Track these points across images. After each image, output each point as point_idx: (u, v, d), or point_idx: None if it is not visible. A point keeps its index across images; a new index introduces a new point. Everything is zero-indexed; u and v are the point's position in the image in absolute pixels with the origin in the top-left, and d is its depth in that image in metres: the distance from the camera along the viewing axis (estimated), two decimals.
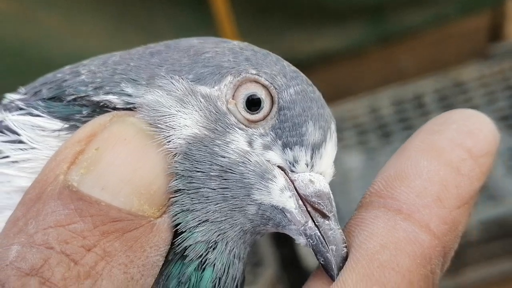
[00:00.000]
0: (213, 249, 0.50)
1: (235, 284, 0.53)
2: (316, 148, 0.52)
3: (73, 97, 0.51)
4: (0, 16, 2.09)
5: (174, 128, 0.49)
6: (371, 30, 2.46)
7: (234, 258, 0.52)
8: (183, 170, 0.49)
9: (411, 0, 2.43)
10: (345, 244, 0.50)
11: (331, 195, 0.52)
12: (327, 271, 0.50)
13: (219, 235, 0.50)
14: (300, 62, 2.37)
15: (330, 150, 0.53)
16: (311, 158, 0.52)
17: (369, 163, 2.23)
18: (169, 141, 0.49)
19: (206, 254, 0.50)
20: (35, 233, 0.45)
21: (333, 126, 0.54)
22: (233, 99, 0.51)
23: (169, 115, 0.49)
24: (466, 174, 0.50)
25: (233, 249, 0.51)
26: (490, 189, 2.16)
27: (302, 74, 0.55)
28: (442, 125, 0.52)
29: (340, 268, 0.49)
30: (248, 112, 0.52)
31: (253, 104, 0.52)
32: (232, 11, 2.22)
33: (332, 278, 0.49)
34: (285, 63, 0.55)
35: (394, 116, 2.36)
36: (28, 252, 0.44)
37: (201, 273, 0.51)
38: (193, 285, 0.50)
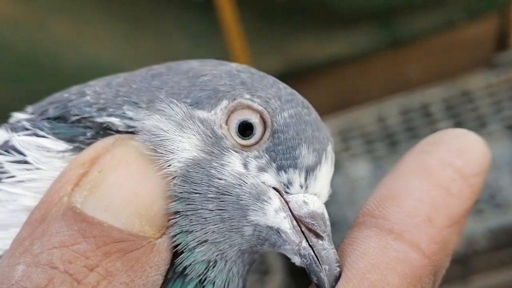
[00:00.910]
0: (213, 267, 0.52)
1: None
2: (310, 170, 0.54)
3: (77, 117, 0.53)
4: (12, 23, 2.10)
5: (173, 152, 0.51)
6: (380, 36, 2.46)
7: (234, 275, 0.53)
8: (181, 192, 0.50)
9: (420, 4, 2.42)
10: (338, 264, 0.51)
11: (326, 215, 0.54)
12: None
13: (218, 254, 0.52)
14: (308, 68, 2.38)
15: (325, 172, 0.54)
16: (305, 180, 0.53)
17: (377, 172, 2.24)
18: (169, 165, 0.50)
19: (206, 272, 0.52)
20: (40, 253, 0.46)
21: (329, 148, 0.55)
22: (226, 124, 0.53)
23: (168, 139, 0.51)
24: (456, 194, 0.51)
25: (232, 267, 0.53)
26: (498, 198, 2.16)
27: (298, 96, 0.56)
28: (433, 145, 0.53)
29: (333, 287, 0.50)
30: (240, 137, 0.53)
31: (246, 129, 0.53)
32: (239, 17, 2.23)
33: None
34: (282, 85, 0.56)
35: (401, 125, 2.36)
36: (33, 272, 0.46)
37: None
38: None
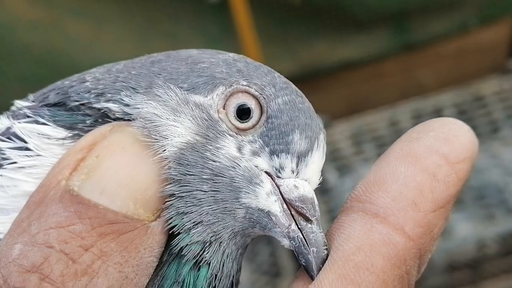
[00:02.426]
0: (208, 248, 0.53)
1: (229, 281, 0.55)
2: (302, 156, 0.55)
3: (77, 103, 0.54)
4: (29, 25, 2.13)
5: (167, 138, 0.52)
6: (393, 40, 2.46)
7: (228, 257, 0.54)
8: (176, 174, 0.51)
9: (434, 9, 2.43)
10: (325, 247, 0.52)
11: (315, 200, 0.55)
12: (308, 272, 0.52)
13: (212, 236, 0.53)
14: (321, 71, 2.37)
15: (316, 159, 0.56)
16: (297, 165, 0.55)
17: None
18: (164, 150, 0.51)
19: (202, 253, 0.53)
20: (37, 233, 0.48)
21: (321, 137, 0.56)
22: (223, 108, 0.54)
23: (163, 125, 0.52)
24: (442, 180, 0.52)
25: (226, 249, 0.54)
26: (509, 203, 2.16)
27: (292, 85, 0.57)
28: (421, 132, 0.54)
29: (319, 269, 0.51)
30: (238, 120, 0.54)
31: (243, 113, 0.54)
32: (253, 21, 2.24)
33: (311, 278, 0.52)
34: (276, 74, 0.57)
35: None
36: (29, 251, 0.47)
37: (197, 272, 0.53)
38: (188, 284, 0.53)
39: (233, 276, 0.56)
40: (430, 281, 2.09)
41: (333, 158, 2.26)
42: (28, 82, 2.07)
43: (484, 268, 2.14)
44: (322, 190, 2.19)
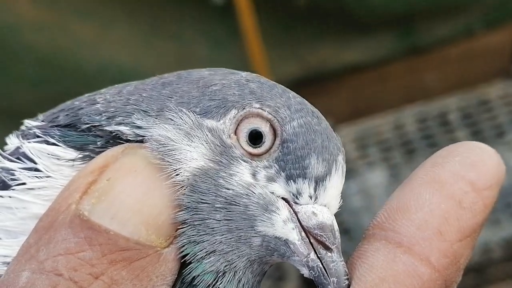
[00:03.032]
0: (222, 278, 0.51)
1: None
2: (320, 180, 0.53)
3: (87, 125, 0.53)
4: (34, 25, 2.13)
5: (181, 162, 0.50)
6: (399, 43, 2.47)
7: (244, 286, 0.52)
8: (189, 201, 0.50)
9: (439, 12, 2.43)
10: (347, 277, 0.50)
11: (335, 227, 0.53)
12: None
13: (226, 265, 0.51)
14: (326, 74, 2.37)
15: (335, 182, 0.53)
16: (315, 190, 0.53)
17: (393, 180, 2.23)
18: (177, 174, 0.50)
19: (215, 283, 0.51)
20: (45, 260, 0.46)
21: (340, 158, 0.54)
22: (235, 133, 0.52)
23: (176, 149, 0.50)
24: (468, 207, 0.50)
25: (241, 278, 0.52)
26: None
27: (308, 105, 0.55)
28: (446, 157, 0.52)
29: None
30: (250, 146, 0.52)
31: (255, 137, 0.52)
32: (258, 23, 2.24)
33: None
34: (291, 94, 0.55)
35: (418, 133, 2.36)
36: (37, 279, 0.45)
37: None
38: None
39: None
40: None
41: None
42: (33, 83, 2.07)
43: (489, 273, 2.13)
44: None
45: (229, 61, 2.09)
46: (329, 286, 0.51)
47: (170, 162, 0.50)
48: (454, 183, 0.50)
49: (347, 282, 0.50)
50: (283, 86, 0.55)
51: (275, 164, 0.52)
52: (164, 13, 2.23)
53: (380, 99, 2.46)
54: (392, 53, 2.47)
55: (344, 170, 0.55)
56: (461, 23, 2.45)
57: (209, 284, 0.51)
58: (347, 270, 0.51)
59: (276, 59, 2.32)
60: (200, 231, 0.50)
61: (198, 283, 0.51)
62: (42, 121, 0.55)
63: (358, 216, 2.02)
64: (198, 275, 0.51)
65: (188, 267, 0.50)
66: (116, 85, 0.56)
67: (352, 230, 1.96)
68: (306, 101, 0.56)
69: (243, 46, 2.26)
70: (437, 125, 2.36)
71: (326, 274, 0.51)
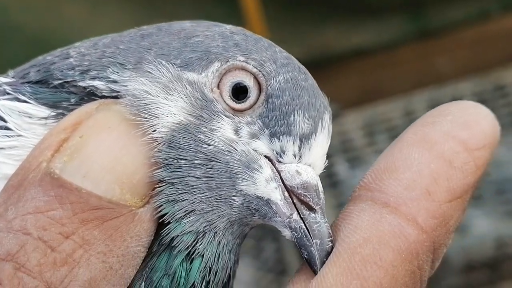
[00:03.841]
0: (202, 239, 0.51)
1: (226, 274, 0.53)
2: (305, 138, 0.53)
3: (60, 81, 0.53)
4: (23, 4, 2.13)
5: (158, 117, 0.50)
6: (409, 27, 2.46)
7: (224, 248, 0.52)
8: (167, 158, 0.50)
9: None
10: (330, 238, 0.50)
11: (320, 187, 0.53)
12: (311, 266, 0.50)
13: (206, 225, 0.51)
14: (332, 58, 2.37)
15: (321, 141, 0.54)
16: (299, 149, 0.53)
17: None
18: (154, 130, 0.50)
19: (195, 244, 0.51)
20: (13, 219, 0.46)
21: (326, 117, 0.54)
22: (218, 87, 0.52)
23: (153, 103, 0.50)
24: (459, 167, 0.50)
25: (221, 239, 0.52)
26: None
27: (295, 61, 0.55)
28: (437, 116, 0.52)
29: (323, 263, 0.49)
30: (234, 101, 0.52)
31: (239, 92, 0.52)
32: (261, 3, 2.23)
33: (314, 273, 0.50)
34: (277, 48, 0.55)
35: None
36: (4, 238, 0.46)
37: (190, 264, 0.51)
38: (180, 277, 0.51)
39: (230, 268, 0.54)
40: (446, 281, 2.07)
41: (344, 149, 2.25)
42: (22, 63, 2.07)
43: (504, 268, 2.12)
44: (332, 183, 2.18)
45: None
46: (311, 248, 0.51)
47: (147, 118, 0.50)
48: (445, 142, 0.50)
49: (330, 244, 0.50)
50: (269, 41, 0.55)
51: (258, 121, 0.52)
52: None
53: (389, 84, 2.46)
54: (402, 37, 2.46)
55: (331, 130, 0.55)
56: (476, 6, 2.44)
57: (189, 245, 0.51)
58: (331, 232, 0.51)
59: (279, 42, 2.29)
60: (178, 189, 0.50)
61: (177, 244, 0.51)
62: (13, 77, 0.55)
63: None
64: (177, 236, 0.51)
65: (167, 227, 0.50)
66: (92, 38, 0.56)
67: None
68: (293, 56, 0.56)
69: (245, 27, 2.25)
70: None
71: (309, 236, 0.51)
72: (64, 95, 0.52)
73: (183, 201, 0.50)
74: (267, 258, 2.10)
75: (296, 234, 0.51)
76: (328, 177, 2.12)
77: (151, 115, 0.50)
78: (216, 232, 0.52)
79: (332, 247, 0.50)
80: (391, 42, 2.45)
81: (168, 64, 0.52)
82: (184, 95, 0.51)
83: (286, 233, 0.52)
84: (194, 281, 0.52)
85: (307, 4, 2.37)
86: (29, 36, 2.12)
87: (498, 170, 2.18)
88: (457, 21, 2.44)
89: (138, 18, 2.20)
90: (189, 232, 0.51)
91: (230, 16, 2.26)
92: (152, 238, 0.50)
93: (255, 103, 0.53)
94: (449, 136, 0.50)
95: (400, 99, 2.41)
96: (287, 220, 0.52)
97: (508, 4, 2.44)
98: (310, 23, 2.39)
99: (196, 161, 0.50)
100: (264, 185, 0.52)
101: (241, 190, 0.51)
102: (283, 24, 2.36)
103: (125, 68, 0.52)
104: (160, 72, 0.52)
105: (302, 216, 0.52)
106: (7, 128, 0.52)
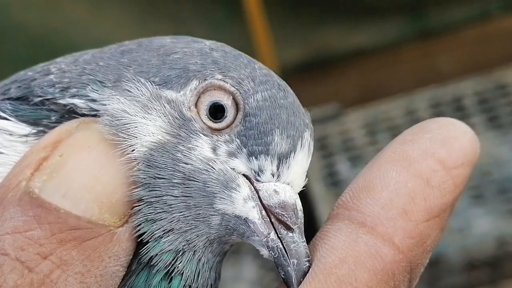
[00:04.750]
0: (181, 257, 0.51)
1: None
2: (283, 157, 0.52)
3: (40, 99, 0.52)
4: (25, 3, 2.13)
5: (136, 137, 0.50)
6: (410, 26, 2.46)
7: (204, 266, 0.52)
8: (145, 177, 0.50)
9: None
10: (307, 258, 0.50)
11: (298, 206, 0.52)
12: (287, 285, 0.50)
13: (185, 244, 0.51)
14: (333, 58, 2.38)
15: (300, 160, 0.53)
16: (277, 168, 0.52)
17: None
18: (132, 150, 0.50)
19: (174, 262, 0.51)
20: None
21: (306, 135, 0.53)
22: (196, 106, 0.52)
23: (131, 122, 0.50)
24: (437, 186, 0.49)
25: (201, 258, 0.52)
26: None
27: (274, 77, 0.54)
28: (416, 134, 0.51)
29: (299, 283, 0.49)
30: (211, 120, 0.52)
31: (217, 111, 0.52)
32: (263, 3, 2.23)
33: None
34: (257, 65, 0.54)
35: (431, 118, 2.34)
36: None
37: (169, 283, 0.51)
38: None
39: (211, 285, 0.54)
40: (447, 280, 2.07)
41: (345, 148, 2.24)
42: (24, 63, 2.06)
43: (505, 267, 2.12)
44: (333, 182, 2.17)
45: (230, 43, 2.08)
46: (288, 268, 0.50)
47: (125, 138, 0.50)
48: (423, 160, 0.50)
49: (307, 264, 0.50)
50: (249, 57, 0.55)
51: (236, 139, 0.52)
52: None
53: (390, 83, 2.46)
54: (404, 36, 2.46)
55: (312, 147, 0.54)
56: (477, 6, 2.44)
57: (168, 264, 0.51)
58: (308, 252, 0.51)
59: (281, 42, 2.31)
60: (157, 208, 0.50)
61: (156, 263, 0.51)
62: None
63: None
64: (156, 255, 0.51)
65: (145, 246, 0.50)
66: (74, 53, 0.56)
67: None
68: (274, 73, 0.55)
69: (246, 27, 2.26)
70: (451, 111, 2.35)
71: (286, 255, 0.51)
72: (45, 113, 0.52)
73: (161, 220, 0.50)
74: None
75: (273, 254, 0.51)
76: (329, 176, 2.12)
77: (129, 135, 0.50)
78: (196, 250, 0.52)
79: (309, 267, 0.50)
80: (393, 42, 2.45)
81: (147, 82, 0.51)
82: (163, 113, 0.51)
83: (264, 252, 0.52)
84: None
85: (309, 4, 2.37)
86: (31, 35, 2.12)
87: (500, 169, 2.17)
88: (459, 20, 2.44)
89: (139, 17, 2.20)
90: (168, 251, 0.51)
91: (232, 16, 2.25)
92: (131, 257, 0.50)
93: (232, 122, 0.52)
94: (427, 154, 0.50)
95: (402, 98, 2.40)
96: (265, 239, 0.51)
97: (509, 3, 2.44)
98: (312, 23, 2.39)
99: (174, 180, 0.50)
100: (242, 204, 0.51)
101: (219, 209, 0.51)
102: (285, 25, 2.36)
103: (105, 86, 0.52)
104: (138, 90, 0.51)
105: (279, 235, 0.51)
106: None
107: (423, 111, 2.36)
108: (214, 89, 0.52)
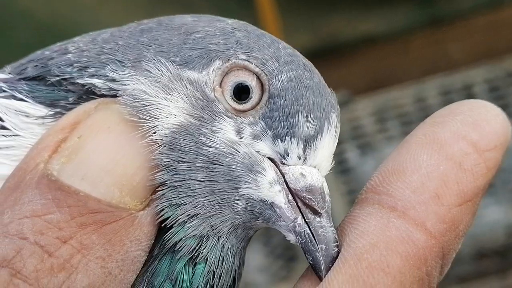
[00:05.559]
0: (206, 242, 0.50)
1: (230, 278, 0.52)
2: (309, 140, 0.51)
3: (57, 78, 0.51)
4: None
5: (158, 118, 0.49)
6: (420, 13, 2.45)
7: (228, 252, 0.51)
8: (168, 161, 0.48)
9: None
10: (336, 243, 0.49)
11: (325, 190, 0.51)
12: (316, 271, 0.49)
13: (209, 229, 0.50)
14: (343, 45, 2.37)
15: (327, 142, 0.52)
16: (304, 150, 0.51)
17: None
18: (154, 132, 0.48)
19: (199, 248, 0.50)
20: (9, 222, 0.45)
21: (333, 116, 0.52)
22: (220, 86, 0.50)
23: (153, 104, 0.49)
24: (469, 169, 0.48)
25: (225, 243, 0.51)
26: None
27: (299, 57, 0.53)
28: (447, 116, 0.50)
29: (328, 269, 0.48)
30: (236, 101, 0.50)
31: (241, 92, 0.50)
32: None
33: (320, 279, 0.48)
34: (281, 45, 0.53)
35: (441, 106, 2.30)
36: (0, 243, 0.44)
37: (193, 268, 0.50)
38: (183, 281, 0.50)
39: (235, 271, 0.52)
40: (456, 269, 2.06)
41: (355, 136, 2.23)
42: (31, 50, 2.06)
43: None
44: (342, 170, 2.17)
45: None
46: (316, 253, 0.49)
47: (146, 119, 0.48)
48: (454, 143, 0.49)
49: (336, 249, 0.49)
50: (272, 36, 0.54)
51: (261, 121, 0.51)
52: None
53: (400, 70, 2.45)
54: (414, 24, 2.46)
55: (338, 129, 0.53)
56: None
57: (192, 249, 0.50)
58: (336, 236, 0.49)
59: (290, 28, 2.31)
60: (181, 192, 0.49)
61: (180, 248, 0.49)
62: (9, 73, 0.54)
63: None
64: (180, 240, 0.49)
65: (169, 232, 0.49)
66: (91, 33, 0.55)
67: None
68: (298, 53, 0.54)
69: (256, 14, 2.25)
70: (461, 98, 2.31)
71: (314, 241, 0.50)
72: (62, 93, 0.51)
73: (185, 204, 0.49)
74: (276, 245, 2.10)
75: (301, 239, 0.50)
76: (339, 163, 2.11)
77: (150, 116, 0.49)
78: (220, 236, 0.50)
79: (338, 252, 0.48)
80: (402, 29, 2.44)
81: (168, 62, 0.50)
82: (184, 95, 0.50)
83: (291, 237, 0.50)
84: (197, 285, 0.50)
85: None
86: (39, 21, 2.12)
87: (509, 158, 2.16)
88: (469, 8, 2.43)
89: (148, 3, 2.20)
90: (193, 236, 0.49)
91: (242, 4, 2.24)
92: (153, 242, 0.49)
93: (257, 103, 0.51)
94: (458, 137, 0.49)
95: (411, 86, 2.39)
96: (292, 224, 0.50)
97: None
98: (321, 10, 2.38)
99: (197, 164, 0.49)
100: (268, 188, 0.50)
101: (244, 194, 0.50)
102: (295, 12, 2.35)
103: (124, 66, 0.50)
104: (159, 70, 0.50)
105: (307, 220, 0.50)
106: (3, 128, 0.50)
107: (433, 98, 2.35)
108: (238, 69, 0.51)
